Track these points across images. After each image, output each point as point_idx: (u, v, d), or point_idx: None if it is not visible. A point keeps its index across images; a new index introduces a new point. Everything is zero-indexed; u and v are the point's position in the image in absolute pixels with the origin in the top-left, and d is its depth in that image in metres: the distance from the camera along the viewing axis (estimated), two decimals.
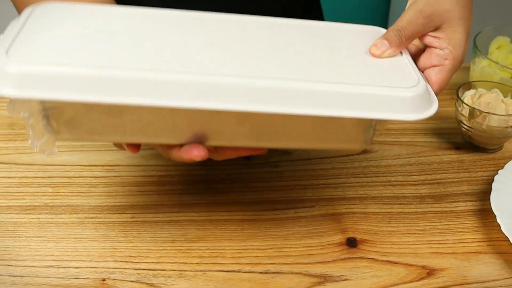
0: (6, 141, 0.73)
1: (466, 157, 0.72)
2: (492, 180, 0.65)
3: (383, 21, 1.41)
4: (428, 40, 0.56)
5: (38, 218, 0.63)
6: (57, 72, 0.45)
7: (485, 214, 0.64)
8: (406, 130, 0.75)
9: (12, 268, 0.58)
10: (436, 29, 0.55)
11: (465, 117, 0.70)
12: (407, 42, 0.55)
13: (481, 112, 0.69)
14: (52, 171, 0.68)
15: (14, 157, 0.70)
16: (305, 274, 0.57)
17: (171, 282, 0.56)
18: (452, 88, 0.81)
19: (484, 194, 0.66)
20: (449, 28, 0.55)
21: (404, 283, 0.57)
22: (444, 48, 0.55)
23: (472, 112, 0.69)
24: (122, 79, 0.46)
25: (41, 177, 0.68)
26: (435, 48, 0.55)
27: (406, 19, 0.55)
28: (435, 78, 0.54)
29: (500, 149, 0.73)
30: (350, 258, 0.59)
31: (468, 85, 0.74)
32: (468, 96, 0.72)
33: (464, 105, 0.70)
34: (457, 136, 0.74)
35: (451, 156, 0.72)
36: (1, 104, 0.78)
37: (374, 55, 0.54)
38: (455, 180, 0.69)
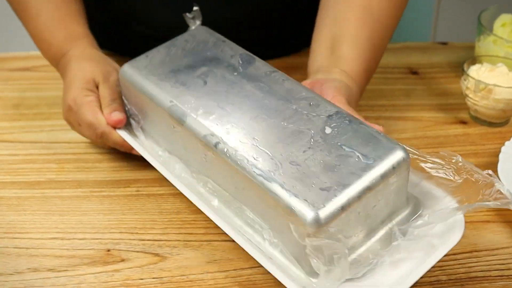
0: (11, 121, 0.73)
1: (472, 131, 0.71)
2: (499, 151, 0.64)
3: None
4: None
5: (43, 193, 0.62)
6: None
7: None
8: (412, 106, 0.75)
9: (17, 240, 0.57)
10: None
11: (471, 90, 0.70)
12: None
13: (486, 84, 0.68)
14: (57, 149, 0.68)
15: (19, 136, 0.70)
16: None
17: (177, 252, 0.56)
18: (457, 66, 0.81)
19: (491, 165, 0.65)
20: None
21: None
22: None
23: (478, 85, 0.69)
24: None
25: (46, 154, 0.67)
26: None
27: None
28: None
29: (507, 123, 0.72)
30: None
31: (474, 60, 0.73)
32: (473, 70, 0.71)
33: (470, 79, 0.69)
34: (463, 112, 0.74)
35: (457, 130, 0.71)
36: (7, 86, 0.79)
37: None
38: (462, 152, 0.67)
